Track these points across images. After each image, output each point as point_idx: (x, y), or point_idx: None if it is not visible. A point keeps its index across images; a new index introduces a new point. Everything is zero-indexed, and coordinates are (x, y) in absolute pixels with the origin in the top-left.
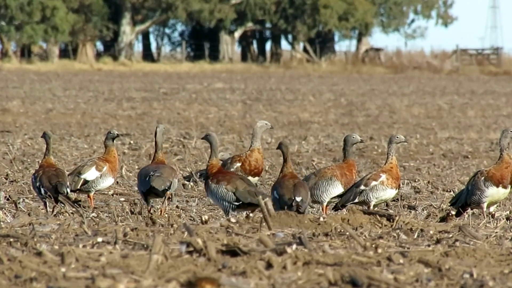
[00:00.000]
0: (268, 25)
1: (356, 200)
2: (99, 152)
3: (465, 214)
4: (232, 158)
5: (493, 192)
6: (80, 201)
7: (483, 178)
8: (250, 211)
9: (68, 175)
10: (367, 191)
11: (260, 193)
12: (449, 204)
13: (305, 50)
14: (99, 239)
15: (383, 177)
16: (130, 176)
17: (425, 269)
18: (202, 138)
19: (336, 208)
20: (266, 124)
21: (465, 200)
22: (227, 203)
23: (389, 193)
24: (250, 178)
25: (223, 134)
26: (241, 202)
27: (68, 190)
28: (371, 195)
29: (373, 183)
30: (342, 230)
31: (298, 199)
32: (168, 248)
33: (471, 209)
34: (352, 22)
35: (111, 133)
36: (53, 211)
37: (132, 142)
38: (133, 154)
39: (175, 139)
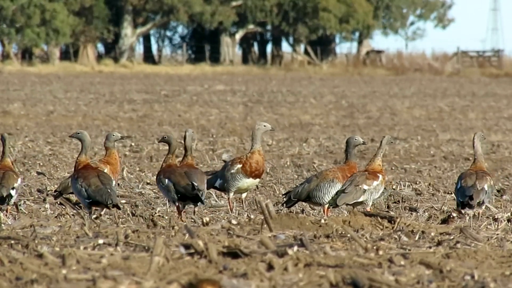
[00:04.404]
0: (269, 27)
1: (360, 199)
2: (100, 154)
3: (465, 216)
4: (233, 160)
5: None
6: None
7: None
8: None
9: (69, 177)
10: (371, 190)
11: (112, 193)
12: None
13: (306, 52)
14: (100, 241)
15: (381, 177)
16: (131, 178)
17: (426, 270)
18: (70, 136)
19: (334, 205)
20: (265, 126)
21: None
22: (82, 199)
23: (381, 192)
24: (251, 180)
25: (224, 136)
26: (91, 200)
27: (13, 193)
28: (373, 195)
29: (375, 183)
30: (343, 232)
31: (197, 184)
32: (169, 250)
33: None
34: (354, 24)
35: (113, 135)
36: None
37: (133, 144)
38: (134, 156)
39: None
